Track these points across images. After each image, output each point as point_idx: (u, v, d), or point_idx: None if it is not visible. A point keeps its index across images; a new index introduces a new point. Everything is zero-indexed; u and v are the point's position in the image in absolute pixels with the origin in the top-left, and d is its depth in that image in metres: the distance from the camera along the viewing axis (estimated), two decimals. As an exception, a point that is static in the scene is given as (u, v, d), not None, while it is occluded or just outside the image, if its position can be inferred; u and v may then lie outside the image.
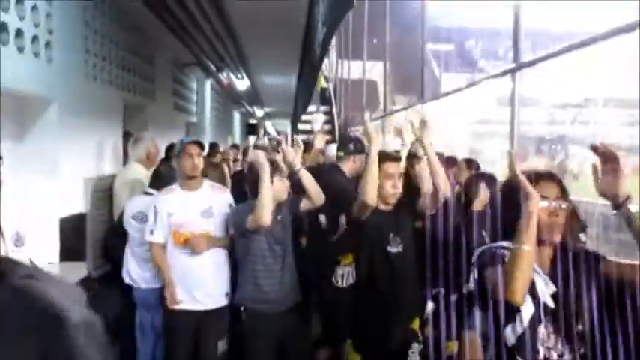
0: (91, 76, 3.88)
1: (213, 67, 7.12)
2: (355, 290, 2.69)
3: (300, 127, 19.52)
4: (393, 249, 2.51)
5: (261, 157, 2.69)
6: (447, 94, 7.20)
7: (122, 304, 3.27)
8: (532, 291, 1.57)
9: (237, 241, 2.69)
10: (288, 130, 20.42)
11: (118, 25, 4.44)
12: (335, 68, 20.51)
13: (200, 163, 2.75)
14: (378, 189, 2.49)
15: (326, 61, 24.25)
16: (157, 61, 5.77)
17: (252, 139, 18.94)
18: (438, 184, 2.44)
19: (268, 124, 21.70)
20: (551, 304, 1.56)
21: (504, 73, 5.00)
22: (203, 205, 2.73)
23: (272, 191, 2.52)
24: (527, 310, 1.58)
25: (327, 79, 23.01)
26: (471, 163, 3.89)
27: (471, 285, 2.58)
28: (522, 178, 1.51)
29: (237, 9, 4.49)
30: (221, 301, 2.74)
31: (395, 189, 2.52)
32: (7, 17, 2.70)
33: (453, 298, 2.72)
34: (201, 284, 2.69)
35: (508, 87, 4.78)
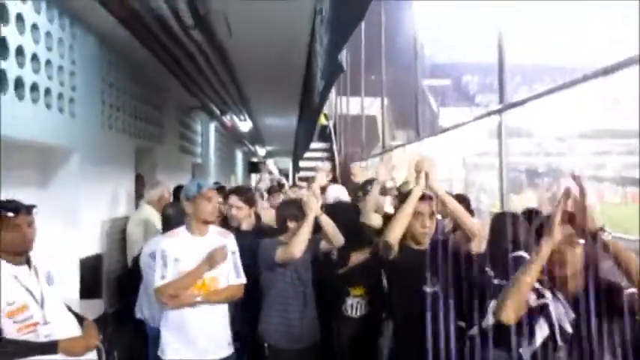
0: (106, 125, 4.19)
1: (217, 111, 7.47)
2: (393, 335, 2.68)
3: (302, 164, 19.88)
4: (429, 289, 2.47)
5: (306, 195, 2.92)
6: (442, 131, 7.52)
7: (135, 339, 3.48)
8: (547, 315, 1.80)
9: (263, 275, 2.89)
10: (290, 167, 20.75)
11: (130, 76, 4.79)
12: (334, 105, 20.99)
13: (217, 207, 2.78)
14: (409, 228, 2.51)
15: (325, 98, 24.53)
16: (166, 107, 6.11)
17: (254, 177, 19.27)
18: (464, 225, 2.46)
19: (270, 163, 22.05)
20: (569, 329, 1.77)
21: (489, 114, 5.34)
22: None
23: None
24: (541, 332, 1.79)
25: (326, 117, 23.48)
26: (461, 198, 4.14)
27: (489, 320, 2.80)
28: (556, 218, 1.65)
29: (240, 57, 4.84)
30: (224, 351, 2.69)
31: (424, 228, 2.52)
32: (37, 77, 3.02)
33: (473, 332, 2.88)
34: (203, 334, 2.63)
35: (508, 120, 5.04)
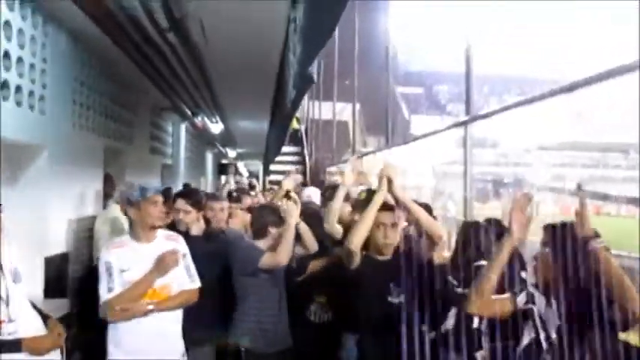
0: (77, 124, 4.17)
1: (188, 112, 7.47)
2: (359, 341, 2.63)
3: (273, 167, 19.87)
4: (394, 299, 2.44)
5: (287, 202, 2.93)
6: (411, 140, 7.69)
7: (98, 340, 3.48)
8: (532, 319, 1.92)
9: (241, 281, 2.88)
10: (260, 170, 20.73)
11: (102, 75, 4.77)
12: (306, 109, 21.06)
13: (164, 211, 2.68)
14: (372, 238, 2.49)
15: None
16: (137, 106, 6.09)
17: (223, 178, 19.17)
18: (430, 230, 2.48)
19: (240, 165, 21.98)
20: (553, 335, 1.88)
21: (456, 125, 5.50)
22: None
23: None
24: (529, 335, 1.92)
25: (298, 121, 23.54)
26: (423, 206, 4.27)
27: (449, 324, 2.90)
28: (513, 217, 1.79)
29: (214, 60, 4.88)
30: None
31: (386, 239, 2.49)
32: (8, 75, 3.01)
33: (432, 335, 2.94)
34: (155, 344, 2.55)
35: (475, 130, 5.20)
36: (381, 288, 2.46)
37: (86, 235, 4.28)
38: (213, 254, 3.08)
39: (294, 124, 22.96)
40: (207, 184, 13.20)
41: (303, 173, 19.08)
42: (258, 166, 21.58)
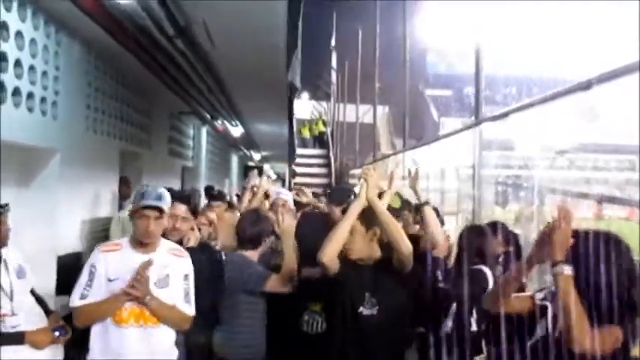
0: (91, 129, 4.34)
1: (207, 116, 7.63)
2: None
3: (299, 170, 20.04)
4: (366, 311, 2.28)
5: (285, 223, 2.68)
6: (424, 143, 7.67)
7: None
8: (545, 316, 1.90)
9: (237, 297, 2.72)
10: (287, 172, 20.91)
11: (117, 82, 4.94)
12: (332, 112, 21.13)
13: (158, 228, 2.30)
14: (349, 245, 2.32)
15: (325, 105, 24.80)
16: (154, 111, 6.26)
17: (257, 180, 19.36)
18: (396, 245, 2.26)
19: (267, 167, 22.20)
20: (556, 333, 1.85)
21: (467, 128, 5.47)
22: (159, 272, 2.29)
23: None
24: (541, 330, 1.92)
25: (324, 123, 23.60)
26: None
27: (448, 325, 2.91)
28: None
29: (225, 66, 5.00)
30: None
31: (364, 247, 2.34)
32: (20, 82, 3.16)
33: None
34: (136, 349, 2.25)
35: (492, 133, 5.18)
36: (353, 297, 2.28)
37: (101, 236, 4.44)
38: (208, 270, 2.79)
39: (321, 127, 23.11)
40: (231, 187, 13.39)
41: (329, 176, 19.20)
42: (284, 168, 21.74)
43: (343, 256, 2.34)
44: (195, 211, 3.09)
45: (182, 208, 2.78)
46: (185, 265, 2.39)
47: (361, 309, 2.27)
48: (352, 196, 3.02)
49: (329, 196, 3.78)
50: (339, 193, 3.54)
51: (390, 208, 2.52)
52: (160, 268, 2.29)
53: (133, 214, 2.30)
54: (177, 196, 2.78)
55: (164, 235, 2.48)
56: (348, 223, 2.29)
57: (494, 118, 4.78)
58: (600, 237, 1.82)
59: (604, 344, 1.67)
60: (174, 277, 2.32)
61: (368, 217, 2.37)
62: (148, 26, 3.71)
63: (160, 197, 2.29)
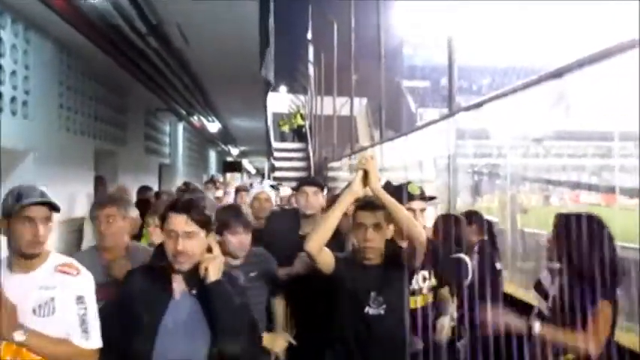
0: (64, 127, 4.29)
1: (184, 112, 7.59)
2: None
3: (278, 164, 20.03)
4: (372, 310, 2.21)
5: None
6: (397, 136, 7.75)
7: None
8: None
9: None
10: (266, 166, 20.89)
11: (91, 80, 4.89)
12: (311, 105, 21.16)
13: (48, 233, 1.80)
14: (378, 244, 2.23)
15: (303, 98, 24.77)
16: (129, 108, 6.21)
17: (229, 176, 19.34)
18: (412, 236, 2.16)
19: (246, 162, 22.13)
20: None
21: (441, 119, 5.56)
22: (40, 296, 1.75)
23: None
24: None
25: (303, 117, 23.60)
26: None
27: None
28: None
29: (199, 63, 4.99)
30: None
31: (365, 241, 2.21)
32: (-11, 83, 3.13)
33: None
34: None
35: (468, 122, 5.26)
36: (358, 297, 2.20)
37: (75, 237, 4.41)
38: None
39: (299, 120, 23.10)
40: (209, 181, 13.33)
41: (308, 169, 19.23)
42: (263, 162, 21.69)
43: (348, 254, 2.36)
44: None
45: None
46: (78, 284, 1.82)
47: (367, 309, 2.20)
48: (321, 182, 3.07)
49: (298, 182, 3.58)
50: (309, 179, 3.48)
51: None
52: (40, 291, 1.76)
53: (8, 222, 1.73)
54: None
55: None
56: (338, 213, 2.15)
57: (467, 109, 4.86)
58: (583, 218, 2.05)
59: (604, 326, 1.94)
60: (61, 302, 1.77)
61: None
62: (119, 24, 3.69)
63: (43, 194, 1.83)
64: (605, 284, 1.96)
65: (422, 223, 2.45)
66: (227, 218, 2.48)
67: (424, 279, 2.55)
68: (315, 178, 3.16)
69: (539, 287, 2.33)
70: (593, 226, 2.02)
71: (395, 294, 2.21)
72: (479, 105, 4.59)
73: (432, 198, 2.75)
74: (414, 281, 2.51)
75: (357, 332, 2.19)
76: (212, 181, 6.11)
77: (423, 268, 2.50)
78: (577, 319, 1.99)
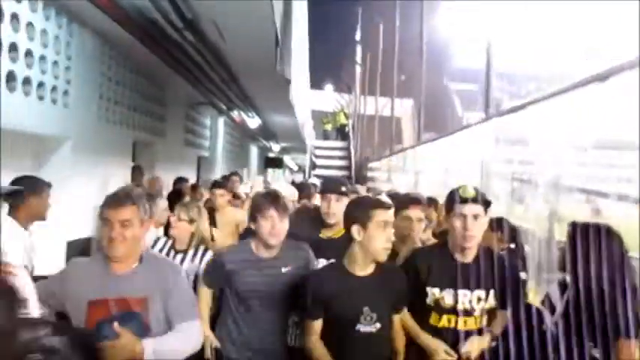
0: (103, 117, 4.45)
1: (223, 107, 7.72)
2: None
3: (319, 162, 20.12)
4: (366, 328, 2.10)
5: None
6: (434, 139, 7.63)
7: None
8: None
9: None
10: (307, 163, 21.01)
11: (131, 72, 5.05)
12: (355, 105, 21.14)
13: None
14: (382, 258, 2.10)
15: (347, 97, 24.80)
16: (169, 101, 6.37)
17: (270, 172, 19.56)
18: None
19: (287, 158, 22.32)
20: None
21: (477, 123, 5.45)
22: None
23: None
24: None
25: (346, 116, 23.59)
26: (431, 201, 4.26)
27: None
28: None
29: (236, 59, 5.06)
30: None
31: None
32: (31, 72, 3.28)
33: None
34: None
35: (508, 128, 5.16)
36: (351, 312, 2.10)
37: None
38: None
39: (342, 119, 23.11)
40: (248, 176, 13.52)
41: (349, 168, 19.22)
42: (305, 160, 21.81)
43: (339, 266, 2.17)
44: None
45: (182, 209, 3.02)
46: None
47: (359, 326, 2.09)
48: (344, 187, 2.87)
49: (321, 185, 3.38)
50: (331, 183, 3.36)
51: None
52: None
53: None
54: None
55: None
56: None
57: (503, 113, 4.75)
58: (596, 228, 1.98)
59: None
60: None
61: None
62: (156, 18, 3.80)
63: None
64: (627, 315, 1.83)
65: (473, 231, 2.15)
66: (260, 202, 2.40)
67: (479, 299, 2.26)
68: (340, 181, 3.01)
69: (547, 301, 2.26)
70: (606, 238, 1.92)
71: (388, 309, 2.19)
72: (514, 110, 4.48)
73: (488, 203, 2.27)
74: (464, 300, 2.25)
75: (346, 350, 2.14)
76: (237, 174, 6.17)
77: (477, 287, 2.24)
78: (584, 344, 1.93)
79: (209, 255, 2.91)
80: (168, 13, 3.67)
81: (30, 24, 3.22)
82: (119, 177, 4.87)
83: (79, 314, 1.84)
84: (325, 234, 2.75)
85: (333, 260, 2.32)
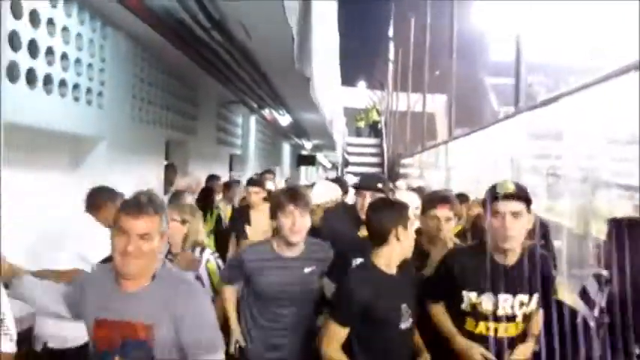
0: (137, 117, 4.59)
1: (255, 105, 7.82)
2: None
3: (352, 159, 20.10)
4: (405, 324, 2.13)
5: None
6: (464, 134, 7.53)
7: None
8: None
9: None
10: (340, 161, 21.03)
11: (163, 73, 5.18)
12: (387, 101, 21.05)
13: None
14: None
15: (379, 93, 24.72)
16: (201, 100, 6.50)
17: (304, 170, 19.66)
18: None
19: (321, 156, 22.40)
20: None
21: (506, 118, 5.38)
22: None
23: None
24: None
25: (379, 112, 23.48)
26: (461, 197, 4.25)
27: None
28: None
29: (264, 58, 5.13)
30: None
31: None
32: (67, 74, 3.41)
33: None
34: None
35: (539, 122, 5.10)
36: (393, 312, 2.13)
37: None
38: None
39: (375, 116, 23.04)
40: (282, 174, 13.64)
41: (381, 165, 19.16)
42: (337, 157, 21.84)
43: (371, 266, 2.16)
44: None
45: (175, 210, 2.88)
46: None
47: (401, 324, 2.11)
48: (380, 184, 2.91)
49: (359, 182, 3.37)
50: (368, 179, 3.24)
51: None
52: None
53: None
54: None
55: None
56: None
57: (533, 107, 4.68)
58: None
59: None
60: None
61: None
62: (184, 19, 3.89)
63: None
64: None
65: (513, 230, 2.05)
66: (280, 198, 2.34)
67: (521, 304, 2.17)
68: (377, 177, 3.01)
69: (583, 295, 2.23)
70: None
71: (415, 303, 2.19)
72: (544, 104, 4.40)
73: (529, 200, 2.14)
74: (505, 305, 2.15)
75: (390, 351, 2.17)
76: (270, 172, 6.23)
77: (520, 291, 2.14)
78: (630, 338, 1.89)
79: (207, 255, 2.78)
80: (195, 14, 3.76)
81: (65, 28, 3.35)
82: (153, 176, 5.01)
83: (90, 331, 1.74)
84: (363, 233, 2.63)
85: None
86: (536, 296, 2.17)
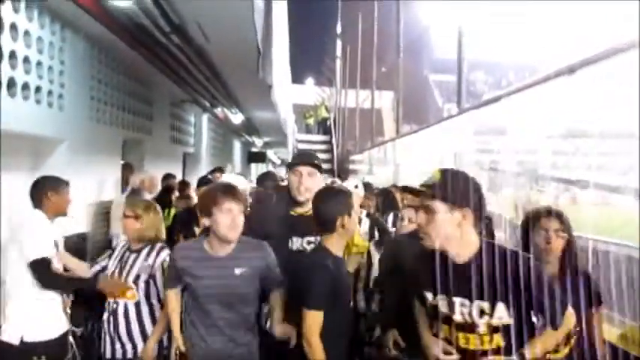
0: (94, 118, 4.65)
1: (207, 104, 7.92)
2: None
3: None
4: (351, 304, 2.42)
5: None
6: (407, 133, 7.92)
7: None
8: None
9: None
10: (290, 157, 21.19)
11: (120, 73, 5.25)
12: (336, 98, 21.34)
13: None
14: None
15: (327, 90, 24.95)
16: (155, 100, 6.57)
17: (254, 167, 19.71)
18: None
19: (271, 153, 22.50)
20: None
21: (450, 117, 5.75)
22: None
23: None
24: None
25: (327, 109, 23.74)
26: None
27: None
28: None
29: (219, 58, 5.28)
30: None
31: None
32: (29, 77, 3.47)
33: None
34: None
35: (484, 119, 5.42)
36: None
37: (104, 218, 4.79)
38: None
39: (324, 113, 23.32)
40: (233, 171, 13.70)
41: (331, 161, 19.45)
42: (287, 154, 22.02)
43: (324, 248, 2.25)
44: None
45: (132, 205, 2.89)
46: None
47: (351, 304, 2.41)
48: (316, 160, 2.63)
49: (294, 159, 2.83)
50: (302, 156, 2.82)
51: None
52: None
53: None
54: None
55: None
56: None
57: (469, 109, 5.05)
58: None
59: None
60: None
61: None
62: (145, 24, 4.01)
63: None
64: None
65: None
66: (216, 194, 2.20)
67: (481, 312, 1.76)
68: (308, 154, 2.79)
69: None
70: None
71: None
72: (486, 103, 4.77)
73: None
74: (463, 310, 1.79)
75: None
76: (221, 169, 6.34)
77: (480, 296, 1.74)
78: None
79: (165, 253, 2.69)
80: (155, 18, 3.88)
81: (27, 32, 3.41)
82: (111, 175, 5.08)
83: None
84: (297, 211, 2.57)
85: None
86: (501, 306, 1.73)
